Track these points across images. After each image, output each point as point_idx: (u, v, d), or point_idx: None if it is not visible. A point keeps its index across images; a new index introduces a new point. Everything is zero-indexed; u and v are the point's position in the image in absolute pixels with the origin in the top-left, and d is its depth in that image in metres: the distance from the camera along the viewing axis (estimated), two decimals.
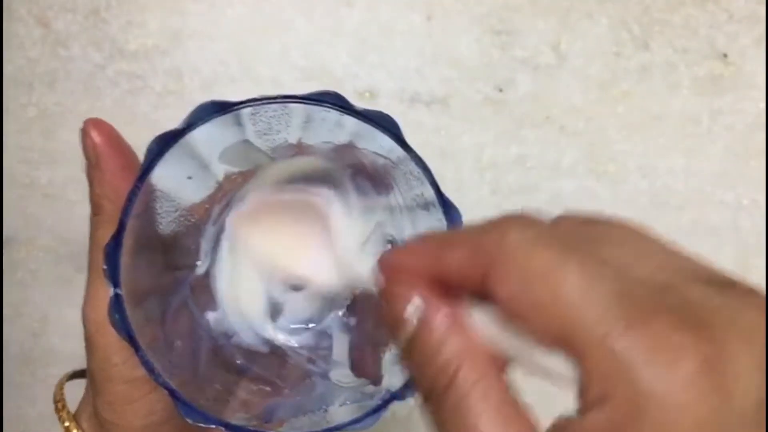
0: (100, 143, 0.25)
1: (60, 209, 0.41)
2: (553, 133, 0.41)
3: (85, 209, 0.40)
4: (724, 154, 0.41)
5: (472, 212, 0.42)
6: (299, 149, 0.27)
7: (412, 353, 0.17)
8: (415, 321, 0.17)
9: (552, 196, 0.41)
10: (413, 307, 0.17)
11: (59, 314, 0.41)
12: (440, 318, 0.17)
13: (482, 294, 0.17)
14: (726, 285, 0.16)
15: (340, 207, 0.25)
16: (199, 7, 0.40)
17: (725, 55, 0.41)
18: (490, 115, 0.41)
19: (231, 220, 0.27)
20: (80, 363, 0.30)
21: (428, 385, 0.17)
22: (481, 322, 0.17)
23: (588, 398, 0.15)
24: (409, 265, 0.18)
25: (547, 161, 0.41)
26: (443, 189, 0.25)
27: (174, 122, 0.43)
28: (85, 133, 0.26)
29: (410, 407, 0.42)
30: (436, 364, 0.17)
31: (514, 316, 0.16)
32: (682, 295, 0.15)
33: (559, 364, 0.16)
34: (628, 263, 0.16)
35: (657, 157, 0.41)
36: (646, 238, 0.17)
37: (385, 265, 0.19)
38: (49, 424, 0.28)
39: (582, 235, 0.17)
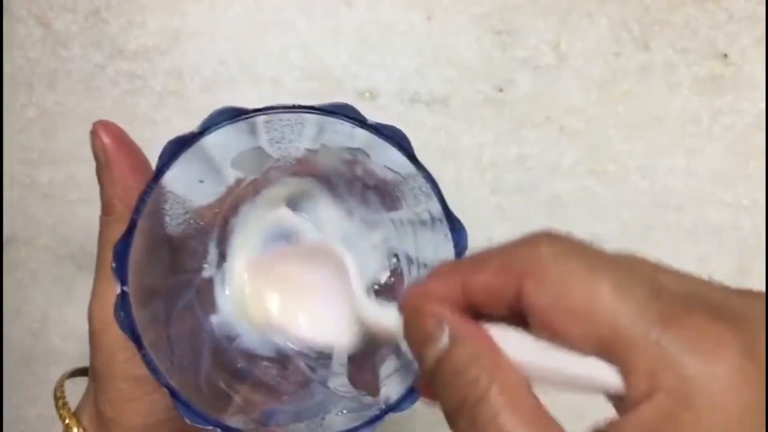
0: (109, 144, 0.26)
1: (60, 209, 0.41)
2: (553, 133, 0.41)
3: (85, 209, 0.40)
4: (724, 154, 0.41)
5: (472, 212, 0.42)
6: (305, 162, 0.27)
7: (441, 369, 0.18)
8: (445, 338, 0.18)
9: (552, 196, 0.41)
10: (443, 325, 0.18)
11: (59, 314, 0.41)
12: (471, 334, 0.18)
13: (511, 316, 0.17)
14: (744, 291, 0.17)
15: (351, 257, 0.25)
16: (199, 7, 0.40)
17: (725, 55, 0.41)
18: (490, 115, 0.41)
19: (246, 265, 0.28)
20: (80, 363, 0.30)
21: (458, 399, 0.17)
22: (508, 341, 0.18)
23: (634, 396, 0.15)
24: (437, 290, 0.18)
25: (547, 161, 0.41)
26: (444, 189, 0.25)
27: (174, 122, 0.43)
28: (94, 134, 0.26)
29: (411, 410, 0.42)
30: (468, 379, 0.17)
31: (550, 327, 0.17)
32: (709, 298, 0.16)
33: (596, 371, 0.16)
34: (653, 275, 0.17)
35: (657, 157, 0.41)
36: (661, 264, 0.18)
37: (411, 291, 0.19)
38: (50, 424, 0.28)
39: (608, 251, 0.18)
